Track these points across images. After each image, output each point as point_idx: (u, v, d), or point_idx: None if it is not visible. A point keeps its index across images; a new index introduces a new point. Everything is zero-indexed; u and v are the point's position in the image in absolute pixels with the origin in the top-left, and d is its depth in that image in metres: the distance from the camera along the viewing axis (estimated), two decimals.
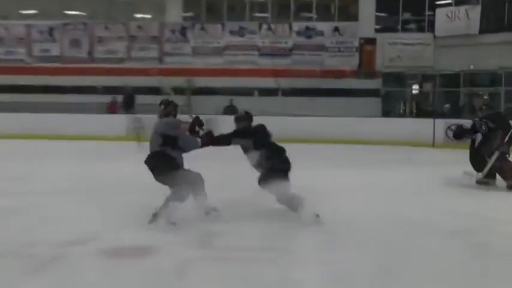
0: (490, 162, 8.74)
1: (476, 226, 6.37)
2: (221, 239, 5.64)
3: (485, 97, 9.06)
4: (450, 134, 9.51)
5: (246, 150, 6.51)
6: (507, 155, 8.83)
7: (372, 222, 6.41)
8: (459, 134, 9.55)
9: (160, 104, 6.33)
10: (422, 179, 9.71)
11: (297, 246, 5.45)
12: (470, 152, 9.25)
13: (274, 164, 6.28)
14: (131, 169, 7.49)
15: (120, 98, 18.83)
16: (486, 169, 8.80)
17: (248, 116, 6.70)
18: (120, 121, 16.53)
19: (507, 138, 8.71)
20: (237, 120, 6.76)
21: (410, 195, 8.34)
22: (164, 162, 5.99)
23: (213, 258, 5.07)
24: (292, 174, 6.44)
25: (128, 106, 18.00)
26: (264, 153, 6.30)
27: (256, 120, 6.76)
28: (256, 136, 6.50)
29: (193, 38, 21.52)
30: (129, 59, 21.54)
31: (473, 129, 9.04)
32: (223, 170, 7.81)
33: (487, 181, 8.95)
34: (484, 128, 8.77)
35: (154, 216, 5.87)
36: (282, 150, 6.55)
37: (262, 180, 6.33)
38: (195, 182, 6.06)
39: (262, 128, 6.69)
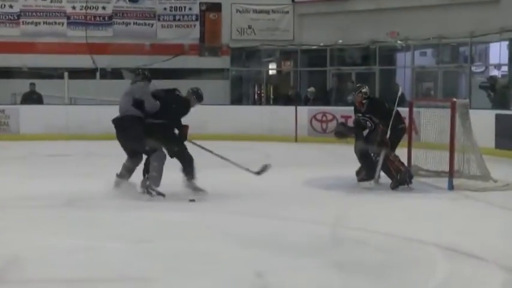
0: (379, 163, 9.50)
1: (344, 240, 6.61)
2: None
3: (363, 90, 9.71)
4: (332, 131, 10.73)
5: None
6: (392, 151, 9.61)
7: (209, 241, 6.39)
8: (342, 133, 10.33)
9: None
10: (280, 184, 9.95)
11: None
12: (358, 150, 9.77)
13: None
14: None
15: None
16: (377, 173, 9.59)
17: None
18: None
19: (388, 133, 9.45)
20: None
21: (264, 205, 8.39)
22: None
23: None
24: None
25: None
26: None
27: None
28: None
29: None
30: None
31: (358, 126, 9.82)
32: None
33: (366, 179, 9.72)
34: (370, 125, 9.58)
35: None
36: None
37: None
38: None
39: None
